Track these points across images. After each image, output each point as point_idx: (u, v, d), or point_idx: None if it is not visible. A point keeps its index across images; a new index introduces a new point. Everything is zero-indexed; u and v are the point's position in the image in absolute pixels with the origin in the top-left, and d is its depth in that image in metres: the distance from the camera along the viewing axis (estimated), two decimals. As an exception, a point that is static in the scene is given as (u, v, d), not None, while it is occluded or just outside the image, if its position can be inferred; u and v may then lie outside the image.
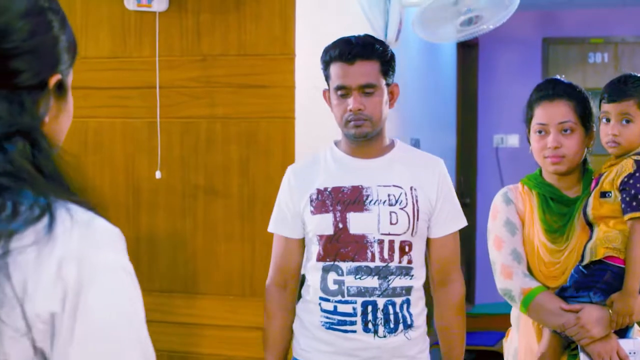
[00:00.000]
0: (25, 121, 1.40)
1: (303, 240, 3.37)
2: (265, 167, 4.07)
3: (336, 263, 3.23)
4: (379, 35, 5.15)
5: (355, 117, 3.18)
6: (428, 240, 3.33)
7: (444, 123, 8.02)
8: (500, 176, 8.72)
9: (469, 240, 8.41)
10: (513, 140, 8.69)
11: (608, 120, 3.16)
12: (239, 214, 4.11)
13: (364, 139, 3.24)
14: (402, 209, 3.22)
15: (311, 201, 3.27)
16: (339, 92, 3.21)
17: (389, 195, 3.22)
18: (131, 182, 4.27)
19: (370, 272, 3.20)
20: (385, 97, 3.24)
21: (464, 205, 8.32)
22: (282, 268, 3.40)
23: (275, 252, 3.43)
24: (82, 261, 1.34)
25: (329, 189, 3.26)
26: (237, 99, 4.11)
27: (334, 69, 3.21)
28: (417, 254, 3.27)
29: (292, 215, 3.33)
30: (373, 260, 3.20)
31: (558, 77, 3.36)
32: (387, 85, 3.24)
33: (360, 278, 3.20)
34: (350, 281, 3.20)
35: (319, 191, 3.27)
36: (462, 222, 3.38)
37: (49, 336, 1.33)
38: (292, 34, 4.02)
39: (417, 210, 3.23)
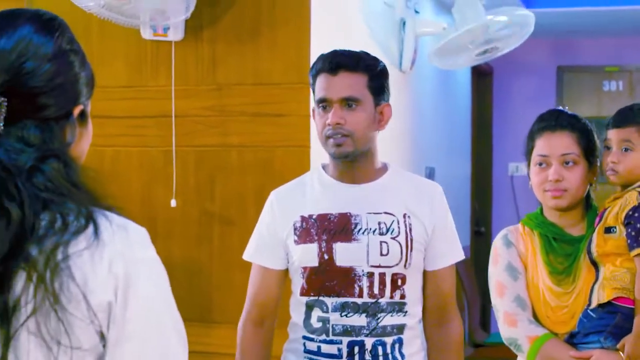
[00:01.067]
0: (56, 146, 1.67)
1: (284, 272, 3.08)
2: (280, 195, 4.07)
3: (320, 298, 2.93)
4: (394, 64, 5.17)
5: (334, 132, 2.89)
6: (424, 274, 3.03)
7: (458, 151, 8.02)
8: (516, 204, 8.71)
9: (484, 268, 8.36)
10: (528, 169, 8.66)
11: (609, 147, 3.03)
12: (254, 242, 4.11)
13: (346, 159, 2.95)
14: (393, 238, 2.92)
15: (295, 229, 2.98)
16: (321, 105, 2.95)
17: (379, 224, 2.93)
18: (147, 210, 4.28)
19: (357, 308, 2.90)
20: (372, 115, 2.95)
21: (478, 234, 8.33)
22: (259, 302, 3.10)
23: (252, 284, 3.13)
24: (127, 259, 1.64)
25: (314, 217, 2.96)
26: (253, 127, 4.13)
27: (319, 81, 2.96)
28: (412, 288, 2.97)
29: (274, 244, 3.04)
30: (361, 295, 2.90)
31: (561, 108, 3.24)
32: (377, 104, 2.96)
33: (346, 315, 2.90)
34: (335, 319, 2.90)
35: (303, 219, 2.98)
36: (460, 255, 3.12)
37: (107, 323, 1.62)
38: (308, 63, 4.03)
39: (411, 240, 2.94)
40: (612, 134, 3.04)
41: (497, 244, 3.15)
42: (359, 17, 4.83)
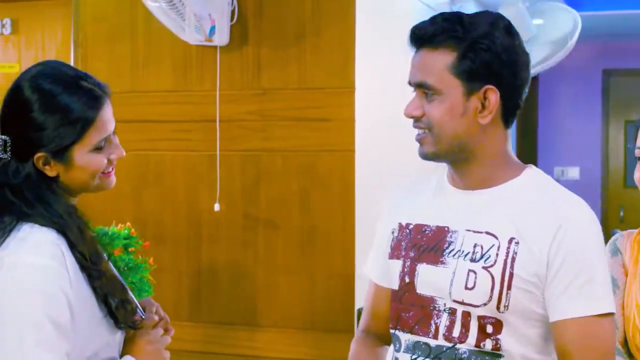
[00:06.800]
0: (4, 178, 2.12)
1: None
2: (325, 199, 4.07)
3: (396, 332, 2.26)
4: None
5: (414, 124, 2.21)
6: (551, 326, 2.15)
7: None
8: (561, 209, 8.64)
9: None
10: (574, 173, 8.60)
11: None
12: (299, 246, 4.11)
13: (435, 161, 2.25)
14: (485, 268, 2.12)
15: (392, 240, 2.33)
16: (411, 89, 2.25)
17: (475, 246, 2.16)
18: (192, 214, 4.30)
19: (428, 352, 2.19)
20: (461, 105, 2.15)
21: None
22: (374, 312, 2.45)
23: (366, 296, 2.50)
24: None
25: (411, 226, 2.28)
26: (297, 132, 4.13)
27: None
28: (515, 339, 2.14)
29: (381, 254, 2.37)
30: (435, 336, 2.17)
31: None
32: (471, 92, 2.15)
33: (415, 359, 2.21)
34: None
35: (400, 227, 2.31)
36: (604, 306, 2.09)
37: None
38: (352, 68, 4.03)
39: (510, 275, 2.10)
40: None
41: (605, 249, 2.36)
42: (404, 21, 4.81)
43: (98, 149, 2.17)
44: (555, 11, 5.34)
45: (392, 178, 4.46)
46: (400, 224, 2.31)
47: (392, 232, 2.32)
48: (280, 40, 4.15)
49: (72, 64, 4.53)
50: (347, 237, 4.00)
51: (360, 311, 3.98)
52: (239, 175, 4.23)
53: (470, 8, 5.97)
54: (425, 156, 2.21)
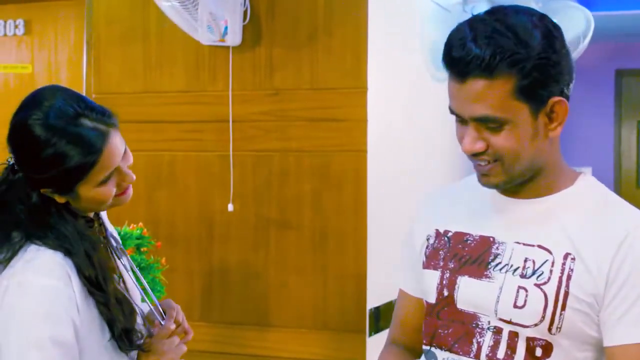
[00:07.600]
0: (14, 196, 2.18)
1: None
2: (337, 200, 4.07)
3: (432, 349, 2.12)
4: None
5: (476, 160, 2.02)
6: (606, 351, 1.97)
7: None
8: (573, 209, 8.62)
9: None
10: (586, 173, 8.59)
11: None
12: (311, 247, 4.11)
13: (500, 188, 2.09)
14: (538, 285, 1.96)
15: (426, 247, 2.20)
16: (454, 115, 2.04)
17: (525, 261, 1.99)
18: (204, 214, 4.30)
19: None
20: (532, 127, 1.97)
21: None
22: (403, 324, 2.35)
23: (396, 306, 2.38)
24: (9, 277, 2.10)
25: (450, 234, 2.14)
26: (310, 132, 4.13)
27: (448, 80, 2.02)
28: None
29: (413, 261, 2.25)
30: (478, 356, 2.01)
31: None
32: (538, 110, 1.96)
33: None
34: None
35: (437, 234, 2.18)
36: None
37: None
38: (365, 68, 4.03)
39: (565, 294, 1.93)
40: None
41: None
42: (416, 21, 4.81)
43: (104, 182, 2.18)
44: (568, 11, 5.33)
45: (404, 178, 4.46)
46: (437, 230, 2.18)
47: (428, 239, 2.19)
48: (292, 41, 4.16)
49: (84, 65, 4.54)
50: (360, 237, 4.00)
51: (372, 311, 4.00)
52: (251, 175, 4.23)
53: (482, 8, 5.96)
54: (495, 186, 2.06)
